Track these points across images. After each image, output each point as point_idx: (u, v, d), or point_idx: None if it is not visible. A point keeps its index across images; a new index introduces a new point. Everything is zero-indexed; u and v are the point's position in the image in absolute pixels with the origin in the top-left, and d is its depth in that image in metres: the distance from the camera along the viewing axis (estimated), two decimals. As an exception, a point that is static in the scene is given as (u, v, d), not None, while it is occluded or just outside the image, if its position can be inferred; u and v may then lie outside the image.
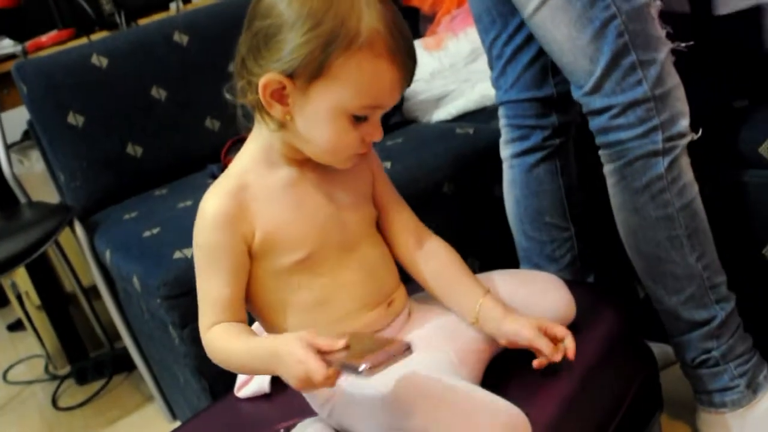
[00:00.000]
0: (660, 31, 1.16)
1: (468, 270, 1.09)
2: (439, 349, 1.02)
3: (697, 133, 1.19)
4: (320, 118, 0.92)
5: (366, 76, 0.89)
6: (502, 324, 1.03)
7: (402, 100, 1.98)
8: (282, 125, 0.95)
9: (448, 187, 1.70)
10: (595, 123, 1.21)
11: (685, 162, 1.19)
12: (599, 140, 1.22)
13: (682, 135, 1.18)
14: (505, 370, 1.07)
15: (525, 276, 1.19)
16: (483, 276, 1.15)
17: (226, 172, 1.00)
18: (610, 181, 1.24)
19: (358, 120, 0.93)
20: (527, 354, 1.08)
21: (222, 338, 0.95)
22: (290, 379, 0.85)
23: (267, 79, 0.90)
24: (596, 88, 1.17)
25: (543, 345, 1.01)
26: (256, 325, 1.10)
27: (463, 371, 1.00)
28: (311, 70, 0.89)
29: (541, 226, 1.48)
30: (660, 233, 1.21)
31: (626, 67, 1.14)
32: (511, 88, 1.41)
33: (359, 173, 1.06)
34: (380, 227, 1.10)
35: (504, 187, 1.50)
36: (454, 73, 1.99)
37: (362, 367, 0.80)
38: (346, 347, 0.85)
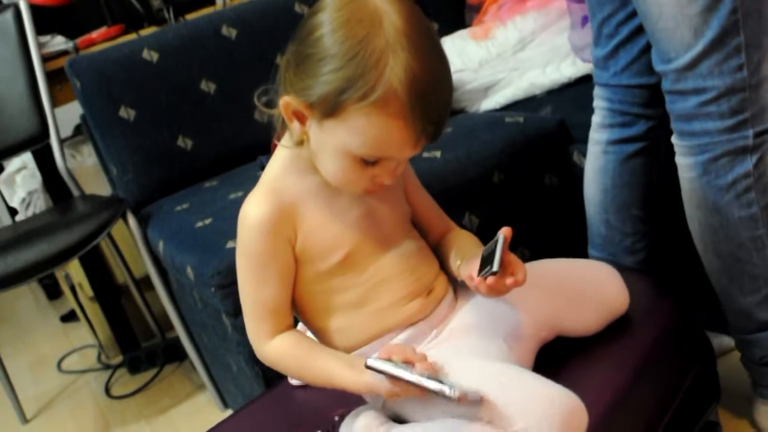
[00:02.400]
0: None
1: (473, 245, 1.07)
2: (488, 336, 1.02)
3: None
4: (329, 152, 0.93)
5: (374, 130, 0.88)
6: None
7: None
8: (300, 142, 0.96)
9: (498, 176, 1.69)
10: (678, 106, 1.12)
11: None
12: (679, 127, 1.14)
13: None
14: (557, 358, 1.07)
15: (577, 265, 1.18)
16: (535, 264, 1.14)
17: (260, 180, 1.01)
18: (688, 175, 1.17)
19: (367, 163, 0.92)
20: (580, 343, 1.07)
21: (291, 355, 0.98)
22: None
23: (286, 101, 0.92)
24: (691, 65, 1.08)
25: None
26: (300, 326, 1.11)
27: (514, 357, 1.00)
28: (325, 109, 0.88)
29: (626, 217, 1.40)
30: (743, 234, 1.15)
31: (731, 48, 1.05)
32: (621, 72, 1.30)
33: None
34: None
35: (589, 172, 1.42)
36: (502, 62, 1.97)
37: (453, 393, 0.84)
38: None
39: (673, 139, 1.17)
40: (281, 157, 1.02)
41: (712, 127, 1.10)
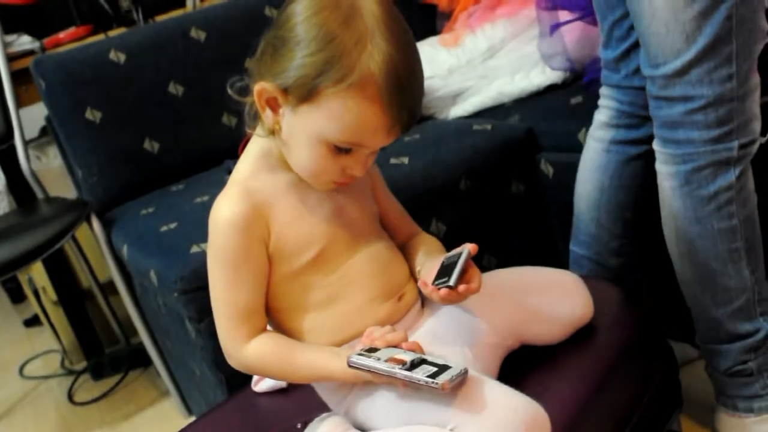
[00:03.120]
0: (765, 23, 1.06)
1: (437, 250, 1.07)
2: (453, 344, 1.02)
3: (764, 136, 1.11)
4: (302, 139, 0.93)
5: (349, 114, 0.88)
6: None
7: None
8: (272, 132, 0.96)
9: (465, 183, 1.69)
10: (663, 112, 1.11)
11: (750, 170, 1.12)
12: (663, 134, 1.13)
13: (753, 141, 1.10)
14: (522, 367, 1.07)
15: (543, 273, 1.18)
16: (500, 272, 1.14)
17: (230, 179, 1.00)
18: (669, 184, 1.16)
19: (340, 151, 0.93)
20: (544, 352, 1.08)
21: (273, 354, 0.97)
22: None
23: (262, 86, 0.92)
24: (681, 72, 1.06)
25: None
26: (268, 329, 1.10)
27: (478, 366, 1.00)
28: (301, 93, 0.89)
29: (618, 218, 1.39)
30: (720, 245, 1.15)
31: (723, 57, 1.04)
32: (633, 75, 1.28)
33: None
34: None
35: (585, 169, 1.40)
36: (471, 69, 1.98)
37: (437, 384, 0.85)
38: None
39: (655, 146, 1.16)
40: (251, 155, 1.01)
41: (697, 136, 1.09)
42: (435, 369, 0.87)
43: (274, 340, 0.98)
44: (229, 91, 0.98)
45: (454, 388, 0.87)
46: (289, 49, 0.89)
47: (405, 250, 1.10)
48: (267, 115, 0.95)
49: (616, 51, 1.30)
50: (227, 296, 0.97)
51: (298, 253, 0.99)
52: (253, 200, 0.97)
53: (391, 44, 0.87)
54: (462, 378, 0.88)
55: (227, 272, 0.96)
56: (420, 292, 1.08)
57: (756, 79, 1.08)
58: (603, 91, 1.37)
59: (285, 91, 0.90)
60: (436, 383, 0.85)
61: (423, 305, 1.08)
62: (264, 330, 0.99)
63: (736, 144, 1.09)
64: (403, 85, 0.88)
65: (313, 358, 0.97)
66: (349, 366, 0.90)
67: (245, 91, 0.97)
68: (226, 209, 0.96)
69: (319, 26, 0.87)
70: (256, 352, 0.97)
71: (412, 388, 0.89)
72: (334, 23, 0.87)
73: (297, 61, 0.88)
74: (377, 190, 1.11)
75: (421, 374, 0.86)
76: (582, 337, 1.11)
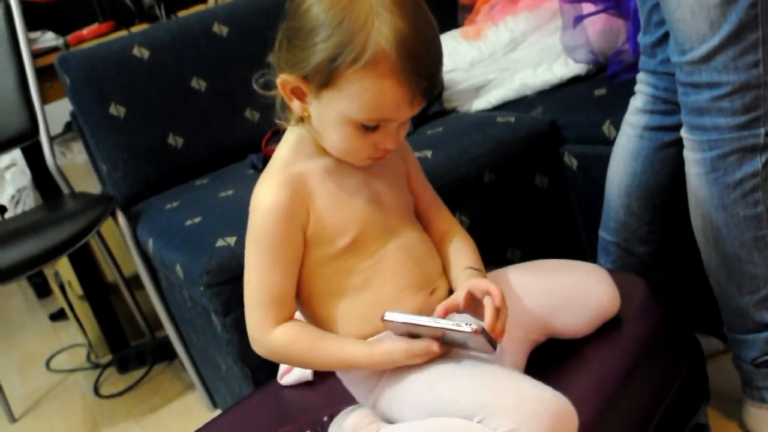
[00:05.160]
0: None
1: (475, 263, 1.07)
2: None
3: None
4: (330, 122, 0.94)
5: (369, 93, 0.89)
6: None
7: (441, 89, 1.96)
8: (301, 119, 0.98)
9: (488, 176, 1.69)
10: (690, 99, 1.11)
11: None
12: (690, 120, 1.13)
13: None
14: (549, 360, 1.07)
15: (568, 266, 1.17)
16: (524, 266, 1.14)
17: (269, 164, 1.02)
18: (696, 171, 1.16)
19: (368, 129, 0.94)
20: (571, 345, 1.07)
21: (300, 339, 0.98)
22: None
23: (283, 78, 0.94)
24: (707, 58, 1.06)
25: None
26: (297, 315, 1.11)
27: (506, 359, 1.00)
28: (320, 79, 0.90)
29: (648, 205, 1.38)
30: (746, 233, 1.15)
31: (748, 43, 1.04)
32: (669, 60, 1.22)
33: (392, 162, 1.07)
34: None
35: (618, 155, 1.40)
36: (494, 62, 1.97)
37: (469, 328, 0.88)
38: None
39: (683, 133, 1.16)
40: (290, 141, 1.02)
41: (723, 123, 1.09)
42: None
43: (301, 327, 0.99)
44: (255, 87, 1.00)
45: (486, 338, 0.89)
46: (302, 39, 0.90)
47: (439, 247, 1.10)
48: (295, 104, 0.97)
49: (654, 36, 1.30)
50: (262, 279, 0.98)
51: (335, 237, 0.99)
52: (294, 187, 0.98)
53: (398, 16, 0.88)
54: (492, 340, 0.90)
55: (264, 256, 0.98)
56: (450, 290, 1.08)
57: None
58: (639, 76, 1.37)
59: (305, 79, 0.92)
60: (470, 326, 0.88)
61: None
62: (292, 318, 1.00)
63: (762, 131, 1.08)
64: (417, 55, 0.89)
65: (340, 346, 0.98)
66: (383, 321, 0.93)
67: (270, 85, 0.98)
68: (268, 196, 0.97)
69: (326, 11, 0.88)
70: (282, 337, 0.98)
71: (448, 344, 0.93)
72: (341, 5, 0.88)
73: (311, 50, 0.89)
74: (412, 181, 1.11)
75: (452, 323, 0.89)
76: (608, 330, 1.10)
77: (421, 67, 0.89)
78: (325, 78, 0.90)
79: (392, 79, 0.88)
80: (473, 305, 0.97)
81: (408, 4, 0.90)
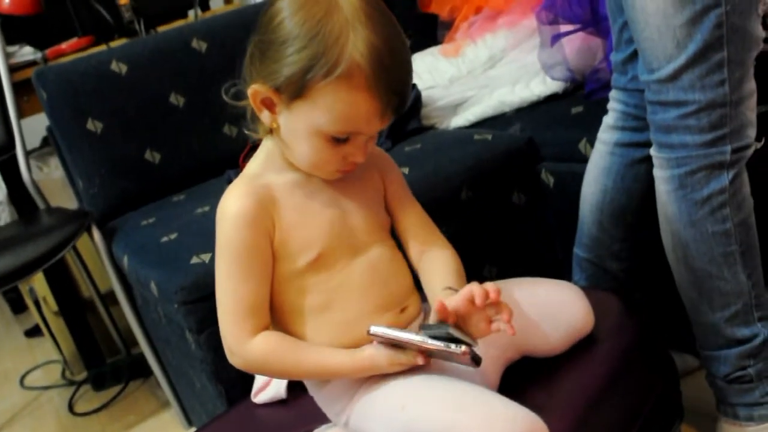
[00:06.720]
0: (760, 31, 1.07)
1: (458, 279, 1.06)
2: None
3: (760, 141, 1.12)
4: (300, 134, 0.95)
5: (341, 104, 0.90)
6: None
7: (420, 106, 1.97)
8: (270, 131, 0.99)
9: (466, 193, 1.69)
10: (658, 117, 1.12)
11: (745, 174, 1.13)
12: (658, 138, 1.14)
13: (747, 146, 1.11)
14: (522, 378, 1.06)
15: (543, 284, 1.17)
16: (500, 283, 1.13)
17: (241, 175, 1.02)
18: (665, 188, 1.17)
19: (338, 141, 0.94)
20: (545, 363, 1.07)
21: (278, 349, 0.97)
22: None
23: (254, 89, 0.94)
24: (673, 77, 1.08)
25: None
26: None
27: (478, 377, 1.00)
28: (293, 90, 0.91)
29: (620, 222, 1.40)
30: (715, 249, 1.16)
31: (714, 63, 1.05)
32: (639, 77, 1.26)
33: (366, 179, 1.07)
34: (394, 230, 1.11)
35: (591, 171, 1.41)
36: (472, 79, 1.98)
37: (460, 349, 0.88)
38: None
39: (652, 151, 1.17)
40: (260, 156, 1.03)
41: (690, 140, 1.10)
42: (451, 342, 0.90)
43: (279, 336, 0.99)
44: (225, 97, 1.01)
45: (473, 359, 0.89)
46: (275, 50, 0.91)
47: (421, 264, 1.09)
48: (264, 115, 0.97)
49: (625, 53, 1.31)
50: (234, 289, 0.97)
51: (298, 253, 0.99)
52: (258, 197, 0.98)
53: (373, 31, 0.89)
54: (478, 359, 0.90)
55: (234, 266, 0.97)
56: (422, 306, 1.08)
57: (751, 85, 1.09)
58: (612, 94, 1.39)
59: (277, 90, 0.92)
60: (459, 347, 0.88)
61: (425, 318, 1.08)
62: (268, 328, 0.99)
63: (729, 148, 1.10)
64: (390, 69, 0.90)
65: (321, 355, 0.97)
66: (369, 334, 0.92)
67: (241, 95, 0.99)
68: (233, 203, 0.97)
69: (302, 23, 0.89)
70: (259, 347, 0.97)
71: (433, 357, 0.93)
72: (315, 18, 0.88)
73: (284, 61, 0.90)
74: (393, 199, 1.11)
75: (441, 343, 0.89)
76: (582, 348, 1.11)
77: (393, 81, 0.90)
78: (298, 89, 0.90)
79: (366, 92, 0.89)
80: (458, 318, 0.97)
81: (381, 19, 0.91)
